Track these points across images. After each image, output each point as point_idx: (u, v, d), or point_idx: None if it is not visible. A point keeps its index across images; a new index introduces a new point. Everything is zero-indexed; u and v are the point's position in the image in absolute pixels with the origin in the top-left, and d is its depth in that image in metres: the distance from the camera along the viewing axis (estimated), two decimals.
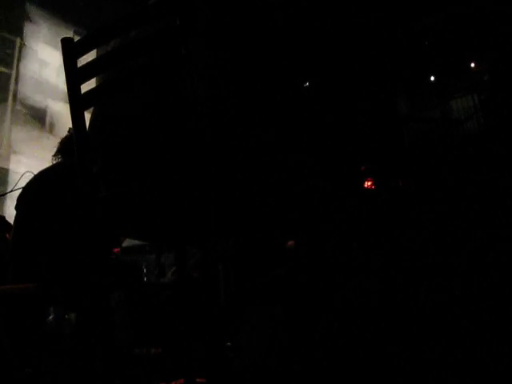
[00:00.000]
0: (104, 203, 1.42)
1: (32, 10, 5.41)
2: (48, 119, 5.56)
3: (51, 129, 5.56)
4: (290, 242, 1.70)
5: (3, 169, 5.02)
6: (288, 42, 1.52)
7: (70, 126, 1.48)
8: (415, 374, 1.50)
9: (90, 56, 1.47)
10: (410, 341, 1.59)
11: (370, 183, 3.06)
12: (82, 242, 1.76)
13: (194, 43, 1.33)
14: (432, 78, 6.49)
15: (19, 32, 5.31)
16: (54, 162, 2.65)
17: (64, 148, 2.65)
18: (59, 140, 2.76)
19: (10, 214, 3.71)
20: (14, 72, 5.22)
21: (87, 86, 1.47)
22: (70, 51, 1.46)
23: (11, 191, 3.18)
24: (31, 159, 5.07)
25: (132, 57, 1.40)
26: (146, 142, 1.37)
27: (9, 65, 5.21)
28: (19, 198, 2.52)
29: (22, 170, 3.82)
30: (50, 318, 2.40)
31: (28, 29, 5.40)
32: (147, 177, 1.36)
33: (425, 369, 1.51)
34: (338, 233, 1.71)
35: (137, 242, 3.48)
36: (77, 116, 1.46)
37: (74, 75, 1.46)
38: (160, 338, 2.57)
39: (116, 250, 3.03)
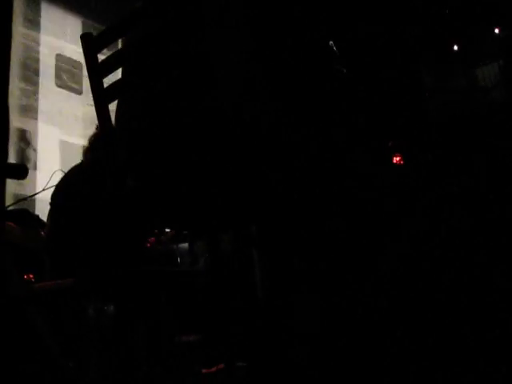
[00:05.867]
0: (133, 194, 1.43)
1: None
2: None
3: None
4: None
5: None
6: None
7: None
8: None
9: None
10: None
11: (398, 159, 3.02)
12: (115, 234, 1.78)
13: (217, 33, 1.32)
14: (455, 47, 6.35)
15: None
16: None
17: (93, 145, 2.68)
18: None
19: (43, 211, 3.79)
20: None
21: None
22: (90, 46, 1.46)
23: (43, 190, 3.23)
24: None
25: (153, 48, 1.40)
26: (173, 132, 1.37)
27: None
28: (53, 196, 2.57)
29: None
30: (90, 310, 2.44)
31: None
32: (176, 165, 1.37)
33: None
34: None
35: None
36: (101, 110, 1.47)
37: (95, 70, 1.47)
38: (199, 325, 2.60)
39: (152, 239, 3.07)
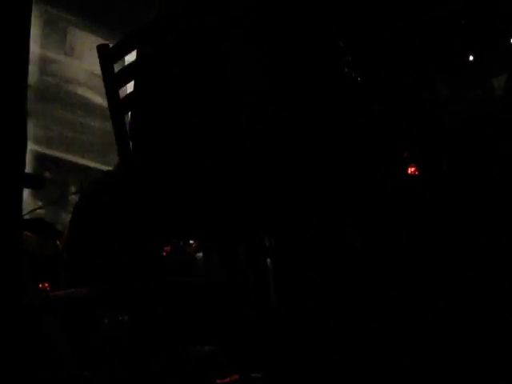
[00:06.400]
0: (147, 204, 1.44)
1: None
2: None
3: None
4: None
5: None
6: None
7: None
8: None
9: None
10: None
11: (413, 169, 2.99)
12: (131, 244, 1.80)
13: (231, 42, 1.33)
14: (471, 57, 6.31)
15: None
16: None
17: None
18: None
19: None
20: None
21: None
22: (105, 57, 1.48)
23: (60, 199, 3.27)
24: None
25: (169, 59, 1.41)
26: (186, 140, 1.38)
27: None
28: (75, 206, 2.62)
29: None
30: (105, 320, 2.45)
31: None
32: (190, 175, 1.37)
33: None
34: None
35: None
36: (117, 120, 1.48)
37: (111, 80, 1.48)
38: (213, 335, 2.59)
39: (167, 248, 3.08)
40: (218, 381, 2.37)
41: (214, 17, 1.33)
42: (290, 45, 1.39)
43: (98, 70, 1.47)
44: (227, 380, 2.34)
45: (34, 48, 5.13)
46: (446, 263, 1.83)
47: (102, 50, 1.48)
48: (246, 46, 1.37)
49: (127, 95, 1.49)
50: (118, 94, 1.48)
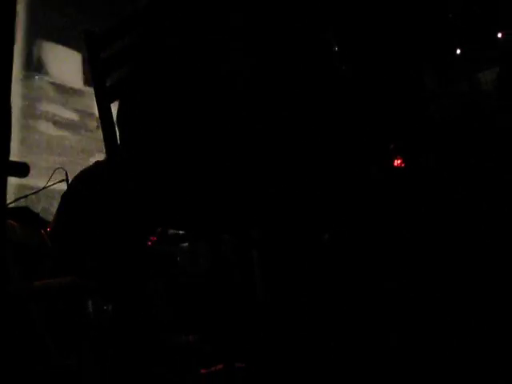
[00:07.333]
0: (133, 196, 1.43)
1: None
2: None
3: None
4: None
5: None
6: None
7: None
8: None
9: None
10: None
11: (399, 161, 3.01)
12: (118, 234, 1.79)
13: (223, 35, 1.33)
14: (458, 51, 6.34)
15: None
16: None
17: None
18: None
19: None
20: None
21: None
22: (92, 44, 1.46)
23: (44, 188, 3.25)
24: None
25: (157, 48, 1.40)
26: (177, 133, 1.37)
27: None
28: (63, 195, 2.60)
29: None
30: (89, 309, 2.44)
31: None
32: (177, 168, 1.37)
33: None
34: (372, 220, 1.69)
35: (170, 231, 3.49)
36: (103, 109, 1.47)
37: (98, 68, 1.47)
38: (198, 325, 2.60)
39: (153, 238, 3.07)
40: (202, 370, 2.38)
41: (203, 7, 1.32)
42: (278, 40, 1.38)
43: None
44: (212, 370, 2.35)
45: None
46: (431, 253, 1.84)
47: (88, 36, 1.46)
48: (237, 40, 1.36)
49: (114, 83, 1.48)
50: (104, 82, 1.46)
